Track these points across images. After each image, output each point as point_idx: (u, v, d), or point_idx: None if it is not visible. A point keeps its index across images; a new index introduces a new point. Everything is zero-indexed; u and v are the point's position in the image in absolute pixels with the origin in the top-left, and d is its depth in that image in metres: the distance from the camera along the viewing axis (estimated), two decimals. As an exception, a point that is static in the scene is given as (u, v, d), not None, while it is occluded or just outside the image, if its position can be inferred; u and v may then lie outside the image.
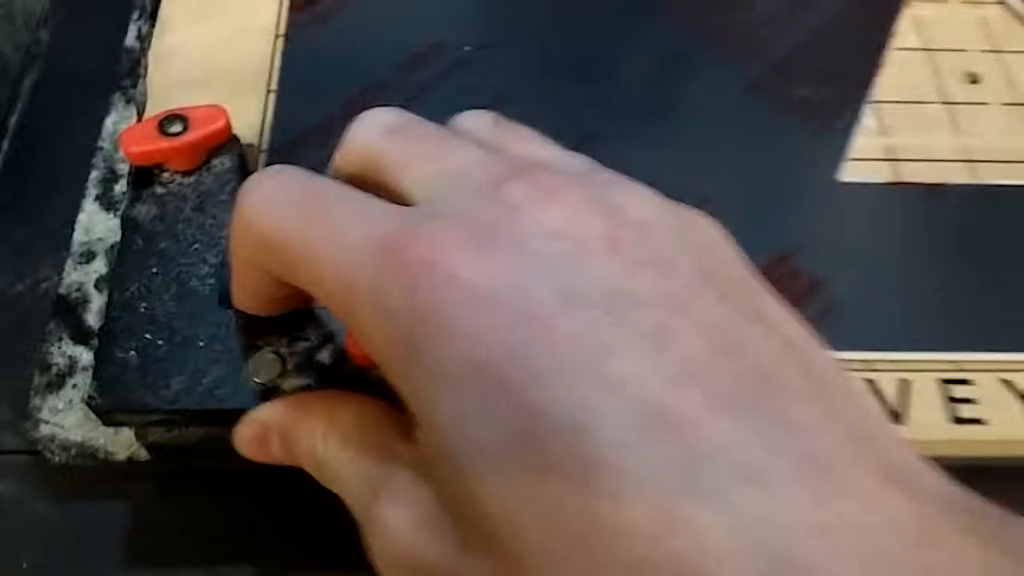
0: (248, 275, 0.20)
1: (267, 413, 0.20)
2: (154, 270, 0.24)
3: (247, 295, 0.21)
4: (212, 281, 0.24)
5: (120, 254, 0.24)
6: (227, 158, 0.26)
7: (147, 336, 0.22)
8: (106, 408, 0.22)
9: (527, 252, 0.15)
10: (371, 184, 0.19)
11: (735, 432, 0.13)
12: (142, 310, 0.23)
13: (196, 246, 0.24)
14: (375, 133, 0.19)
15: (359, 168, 0.19)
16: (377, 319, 0.15)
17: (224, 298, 0.23)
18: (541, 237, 0.15)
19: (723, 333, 0.15)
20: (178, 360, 0.22)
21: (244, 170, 0.27)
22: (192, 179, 0.26)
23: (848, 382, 0.15)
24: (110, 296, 0.24)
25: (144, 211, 0.25)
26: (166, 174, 0.26)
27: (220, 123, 0.25)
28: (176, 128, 0.25)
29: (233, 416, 0.21)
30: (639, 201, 0.16)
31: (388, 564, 0.16)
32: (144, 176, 0.25)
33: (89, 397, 0.22)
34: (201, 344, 0.22)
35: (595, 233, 0.15)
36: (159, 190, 0.25)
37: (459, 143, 0.18)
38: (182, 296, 0.23)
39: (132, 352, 0.22)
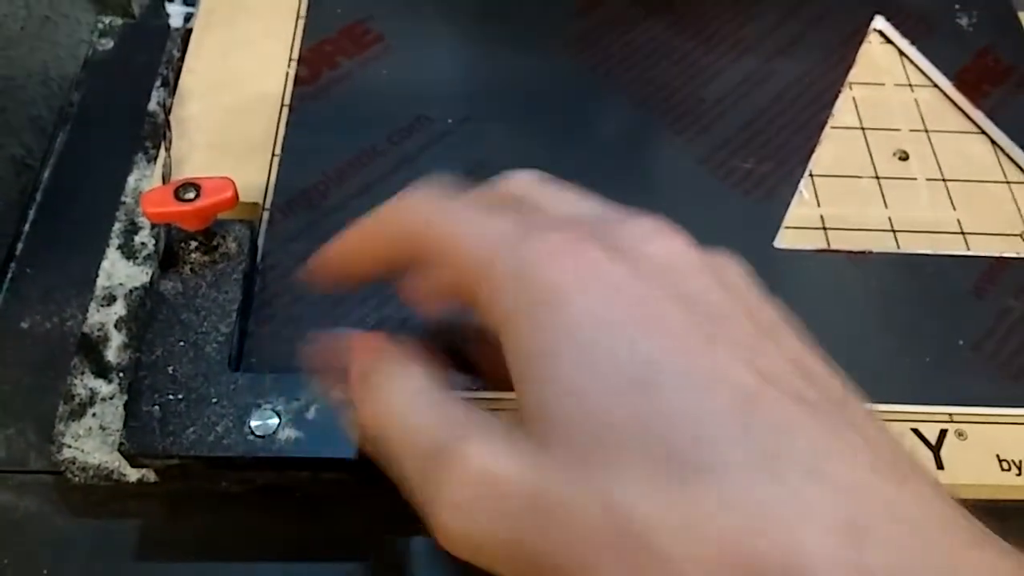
0: (367, 247, 0.23)
1: (356, 345, 0.22)
2: (176, 338, 0.28)
3: (346, 260, 0.24)
4: (223, 347, 0.28)
5: (147, 323, 0.29)
6: (239, 243, 0.30)
7: (168, 394, 0.27)
8: (133, 453, 0.26)
9: (631, 262, 0.18)
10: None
11: (812, 429, 0.16)
12: (165, 372, 0.27)
13: (211, 317, 0.29)
14: (529, 179, 0.23)
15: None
16: (508, 285, 0.18)
17: (233, 361, 0.28)
18: (641, 255, 0.19)
19: (802, 360, 0.18)
20: (192, 414, 0.26)
21: (253, 254, 0.31)
22: (209, 259, 0.30)
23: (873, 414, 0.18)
24: (138, 359, 0.28)
25: (169, 287, 0.29)
26: (192, 254, 0.30)
27: (228, 193, 0.29)
28: (190, 195, 0.29)
29: (236, 462, 0.25)
30: (729, 259, 0.20)
31: (468, 498, 0.17)
32: (170, 258, 0.30)
33: (120, 444, 0.26)
34: (212, 401, 0.26)
35: (694, 263, 0.19)
36: (183, 269, 0.30)
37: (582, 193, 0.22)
38: (198, 360, 0.27)
39: (155, 407, 0.26)
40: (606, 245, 0.18)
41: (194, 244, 0.30)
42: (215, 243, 0.30)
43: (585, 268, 0.18)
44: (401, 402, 0.20)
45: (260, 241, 0.33)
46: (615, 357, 0.17)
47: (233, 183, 0.29)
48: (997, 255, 0.35)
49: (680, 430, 0.16)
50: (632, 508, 0.15)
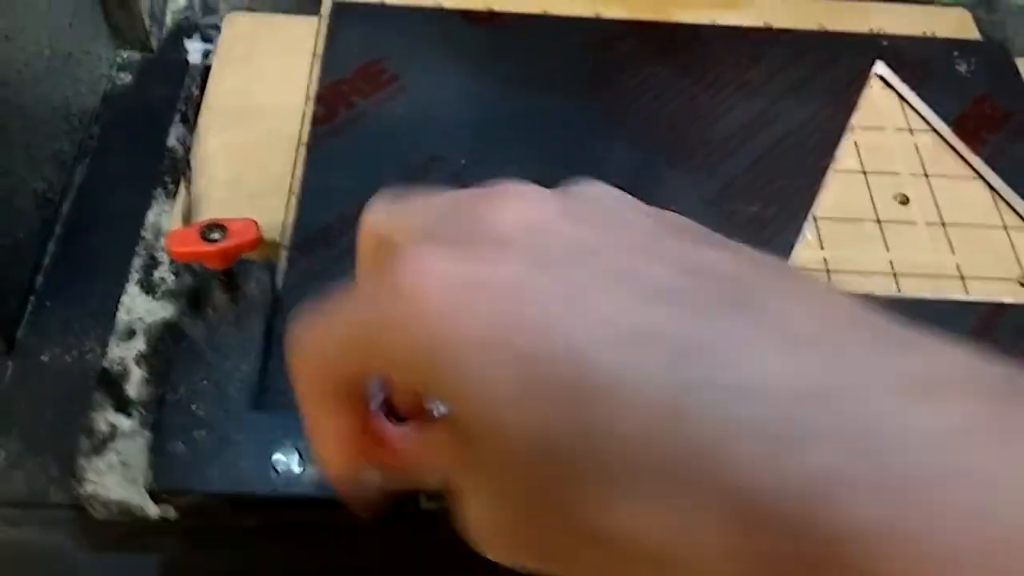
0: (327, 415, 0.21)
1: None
2: (200, 377, 0.29)
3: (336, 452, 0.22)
4: (246, 386, 0.29)
5: (173, 364, 0.30)
6: (260, 287, 0.32)
7: (193, 432, 0.27)
8: (159, 491, 0.27)
9: (480, 253, 0.17)
10: None
11: (713, 332, 0.15)
12: (189, 411, 0.28)
13: (234, 357, 0.29)
14: (379, 213, 0.21)
15: (375, 253, 0.21)
16: (392, 358, 0.17)
17: (256, 401, 0.28)
18: (507, 225, 0.17)
19: (687, 259, 0.17)
20: (216, 453, 0.27)
21: (274, 295, 0.32)
22: (232, 303, 0.31)
23: (813, 278, 0.17)
24: (163, 398, 0.29)
25: (195, 328, 0.30)
26: (216, 298, 0.31)
27: (252, 235, 0.29)
28: (215, 236, 0.30)
29: (260, 500, 0.25)
30: (593, 186, 0.20)
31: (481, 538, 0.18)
32: (195, 300, 0.31)
33: (146, 481, 0.27)
34: (235, 439, 0.27)
35: (556, 210, 0.18)
36: (207, 311, 0.31)
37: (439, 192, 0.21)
38: (221, 399, 0.28)
39: (181, 445, 0.27)
40: (453, 245, 0.17)
41: (218, 288, 0.31)
42: (237, 286, 0.31)
43: (439, 289, 0.17)
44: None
45: (279, 279, 0.34)
46: (507, 369, 0.16)
47: (257, 225, 0.30)
48: (995, 300, 0.36)
49: (581, 404, 0.15)
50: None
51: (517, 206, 0.18)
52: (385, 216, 0.20)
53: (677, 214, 0.19)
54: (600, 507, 0.15)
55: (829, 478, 0.14)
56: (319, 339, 0.19)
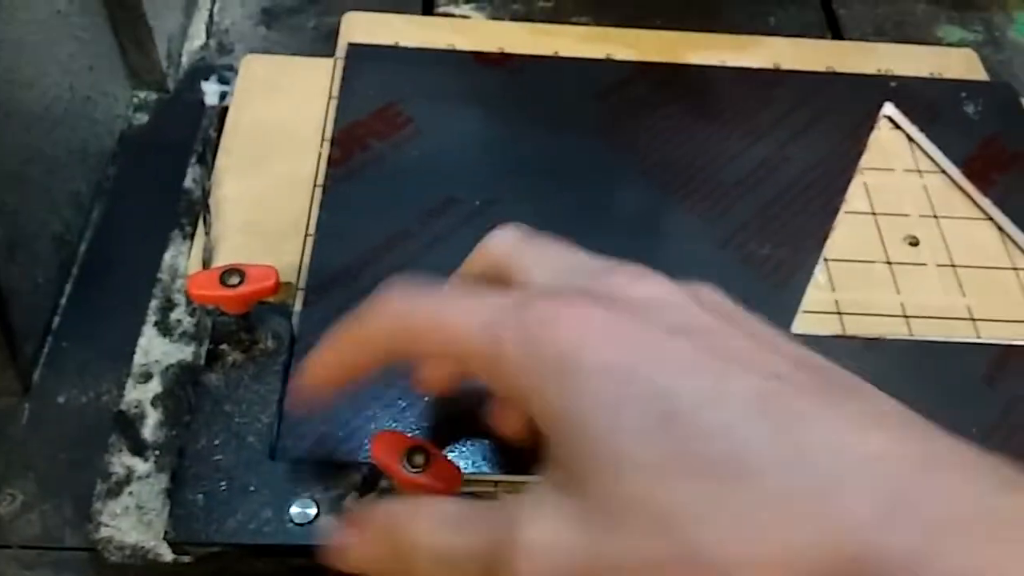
0: (354, 352, 0.24)
1: (370, 516, 0.22)
2: (219, 428, 0.29)
3: (336, 367, 0.25)
4: (264, 437, 0.29)
5: (193, 414, 0.30)
6: (278, 339, 0.32)
7: (211, 483, 0.28)
8: (178, 542, 0.27)
9: (627, 309, 0.20)
10: (492, 282, 0.24)
11: (835, 410, 0.18)
12: (209, 461, 0.28)
13: (253, 408, 0.30)
14: (511, 239, 0.25)
15: (484, 269, 0.25)
16: (522, 360, 0.19)
17: (274, 452, 0.29)
18: (645, 295, 0.21)
19: (804, 360, 0.20)
20: (235, 503, 0.27)
21: (292, 345, 0.32)
22: (251, 354, 0.31)
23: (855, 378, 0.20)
24: (183, 448, 0.29)
25: (214, 380, 0.30)
26: (235, 350, 0.31)
27: (271, 281, 0.30)
28: (234, 280, 0.30)
29: (277, 550, 0.25)
30: (710, 288, 0.22)
31: (538, 566, 0.18)
32: (214, 355, 0.31)
33: (165, 532, 0.27)
34: (252, 489, 0.27)
35: (687, 295, 0.21)
36: (228, 360, 0.31)
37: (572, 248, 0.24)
38: (240, 449, 0.28)
39: (200, 495, 0.27)
40: (598, 298, 0.20)
41: (237, 340, 0.31)
42: (256, 338, 0.31)
43: (586, 326, 0.19)
44: (436, 538, 0.20)
45: (294, 321, 0.34)
46: (637, 400, 0.18)
47: (276, 272, 0.30)
48: (1007, 342, 0.36)
49: (712, 446, 0.17)
50: (691, 532, 0.17)
51: (649, 284, 0.21)
52: (525, 252, 0.24)
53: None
54: (715, 536, 0.17)
55: (937, 527, 0.16)
56: (438, 314, 0.21)
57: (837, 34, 0.51)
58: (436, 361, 0.23)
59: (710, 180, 0.40)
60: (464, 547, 0.20)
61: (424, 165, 0.39)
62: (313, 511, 0.27)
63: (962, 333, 0.36)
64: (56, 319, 0.36)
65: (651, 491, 0.17)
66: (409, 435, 0.28)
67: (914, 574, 0.15)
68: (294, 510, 0.27)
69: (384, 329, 0.23)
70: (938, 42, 0.50)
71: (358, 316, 0.24)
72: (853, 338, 0.36)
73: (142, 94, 0.44)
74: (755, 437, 0.17)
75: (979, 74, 0.46)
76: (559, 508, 0.19)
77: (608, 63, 0.44)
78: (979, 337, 0.36)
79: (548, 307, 0.20)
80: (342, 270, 0.35)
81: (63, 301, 0.37)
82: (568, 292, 0.20)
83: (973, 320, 0.37)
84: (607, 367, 0.18)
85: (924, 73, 0.46)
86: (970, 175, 0.41)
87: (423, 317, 0.22)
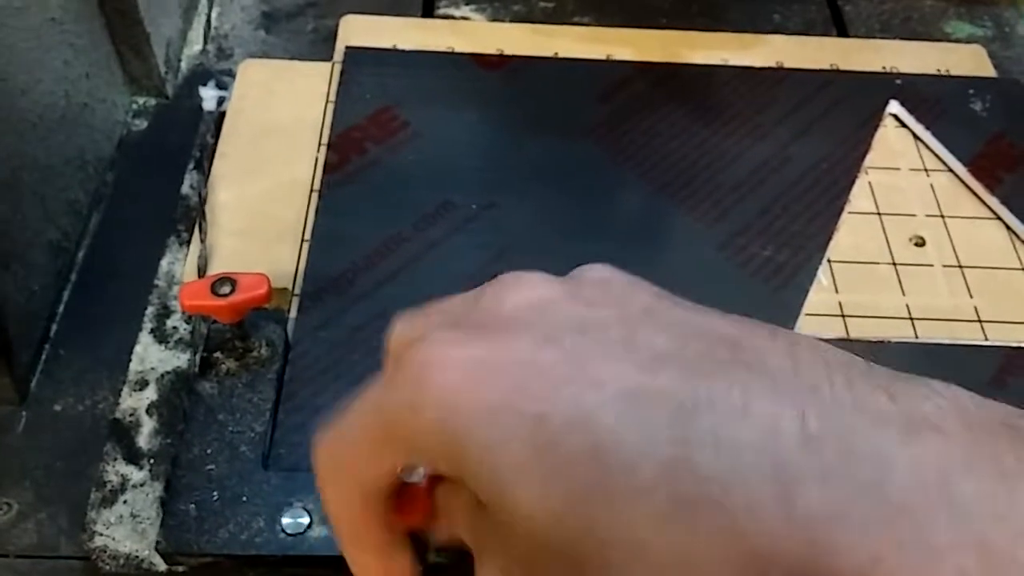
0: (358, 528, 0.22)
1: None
2: (212, 437, 0.29)
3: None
4: (257, 446, 0.29)
5: (186, 423, 0.30)
6: (272, 347, 0.32)
7: (204, 493, 0.27)
8: (170, 552, 0.27)
9: (496, 332, 0.18)
10: None
11: (714, 390, 0.16)
12: (201, 471, 0.28)
13: (246, 417, 0.30)
14: (397, 325, 0.22)
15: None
16: (419, 425, 0.18)
17: (266, 461, 0.28)
18: (513, 307, 0.19)
19: (685, 326, 0.18)
20: (227, 513, 0.27)
21: (286, 353, 0.32)
22: (244, 363, 0.31)
23: (809, 340, 0.18)
24: (176, 457, 0.29)
25: (208, 389, 0.30)
26: (228, 358, 0.31)
27: (262, 290, 0.29)
28: (225, 289, 0.30)
29: (269, 560, 0.25)
30: (598, 268, 0.20)
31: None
32: (207, 364, 0.31)
33: (157, 542, 0.27)
34: (245, 499, 0.27)
35: (559, 292, 0.19)
36: (221, 369, 0.31)
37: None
38: (233, 459, 0.28)
39: (192, 505, 0.27)
40: (465, 332, 0.19)
41: (231, 348, 0.31)
42: (250, 346, 0.31)
43: (454, 370, 0.18)
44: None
45: (289, 328, 0.34)
46: (515, 439, 0.17)
47: (268, 280, 0.30)
48: (1015, 344, 0.35)
49: (588, 470, 0.16)
50: (600, 567, 0.16)
51: (522, 290, 0.19)
52: (408, 323, 0.21)
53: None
54: (613, 562, 0.16)
55: (829, 515, 0.15)
56: (342, 439, 0.20)
57: (842, 31, 0.50)
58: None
59: (711, 181, 0.39)
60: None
61: (421, 169, 0.39)
62: (306, 521, 0.27)
63: (969, 335, 0.36)
64: (53, 327, 0.36)
65: (544, 526, 0.17)
66: None
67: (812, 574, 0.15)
68: (286, 520, 0.27)
69: (334, 479, 0.21)
70: (946, 38, 0.50)
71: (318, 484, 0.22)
72: (857, 341, 0.35)
73: (141, 100, 0.44)
74: (633, 445, 0.16)
75: (987, 70, 0.46)
76: (496, 556, 0.19)
77: (608, 64, 0.44)
78: (986, 339, 0.35)
79: (416, 361, 0.18)
80: (337, 276, 0.35)
81: (60, 309, 0.37)
82: (434, 332, 0.19)
83: (980, 322, 0.36)
84: (483, 410, 0.17)
85: (931, 70, 0.45)
86: (977, 173, 0.40)
87: (338, 444, 0.20)
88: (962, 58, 0.46)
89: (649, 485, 0.16)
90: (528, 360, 0.18)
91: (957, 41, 0.49)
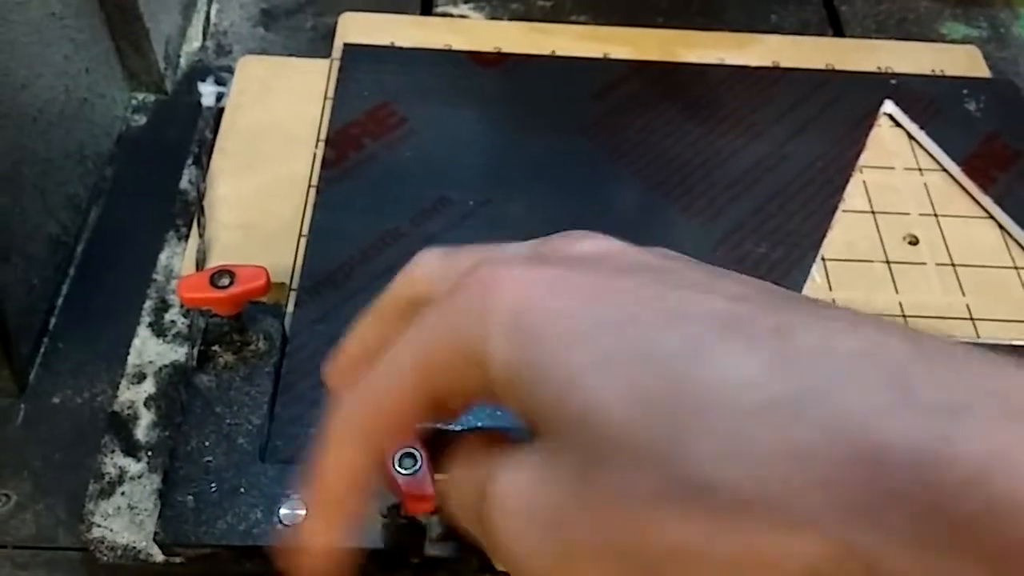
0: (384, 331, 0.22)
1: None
2: (210, 430, 0.29)
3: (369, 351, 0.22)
4: (255, 439, 0.29)
5: (184, 415, 0.30)
6: (270, 341, 0.32)
7: (202, 484, 0.28)
8: (167, 543, 0.27)
9: (571, 263, 0.19)
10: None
11: (812, 317, 0.16)
12: (199, 463, 0.28)
13: (244, 410, 0.30)
14: (434, 259, 0.22)
15: (410, 297, 0.22)
16: (479, 330, 0.18)
17: (264, 453, 0.29)
18: (584, 249, 0.19)
19: (757, 285, 0.18)
20: (225, 505, 0.27)
21: (283, 347, 0.32)
22: (242, 356, 0.31)
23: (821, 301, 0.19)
24: (174, 449, 0.29)
25: (205, 381, 0.30)
26: (226, 351, 0.32)
27: (260, 281, 0.30)
28: (224, 282, 0.30)
29: (266, 552, 0.25)
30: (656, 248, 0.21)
31: (516, 519, 0.18)
32: (205, 357, 0.31)
33: (155, 533, 0.28)
34: (242, 491, 0.27)
35: (625, 245, 0.19)
36: (219, 362, 0.31)
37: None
38: (230, 451, 0.28)
39: (190, 497, 0.27)
40: (541, 258, 0.19)
41: (228, 342, 0.31)
42: (248, 339, 0.31)
43: (531, 281, 0.18)
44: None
45: (286, 322, 0.34)
46: (590, 337, 0.17)
47: (266, 272, 0.30)
48: (1007, 343, 0.35)
49: (681, 369, 0.16)
50: (676, 460, 0.16)
51: (590, 239, 0.20)
52: (452, 256, 0.21)
53: None
54: (706, 453, 0.15)
55: (949, 408, 0.14)
56: (384, 391, 0.20)
57: (839, 31, 0.50)
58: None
59: (706, 179, 0.40)
60: (457, 501, 0.20)
61: (418, 165, 0.39)
62: (303, 513, 0.27)
63: (961, 333, 0.36)
64: (52, 319, 0.36)
65: (623, 426, 0.16)
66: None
67: (931, 464, 0.14)
68: (283, 512, 0.27)
69: (361, 436, 0.20)
70: (941, 39, 0.50)
71: (386, 293, 0.22)
72: (849, 338, 0.35)
73: (140, 96, 0.44)
74: (727, 352, 0.16)
75: (981, 71, 0.46)
76: (530, 457, 0.18)
77: (604, 62, 0.44)
78: (978, 337, 0.36)
79: (482, 276, 0.18)
80: (334, 270, 0.35)
81: (59, 302, 0.37)
82: (507, 259, 0.19)
83: (973, 320, 0.36)
84: (560, 313, 0.17)
85: (925, 70, 0.45)
86: (971, 173, 0.41)
87: (372, 407, 0.20)
88: (957, 59, 0.47)
89: (750, 380, 0.15)
90: (605, 283, 0.18)
91: (952, 42, 0.49)
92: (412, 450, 0.26)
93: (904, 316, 0.36)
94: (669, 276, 0.18)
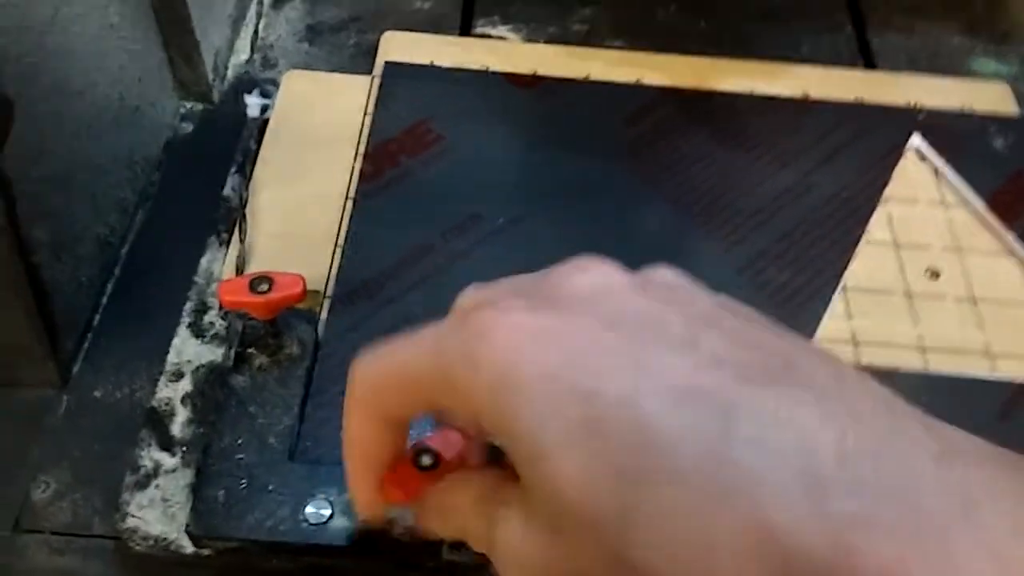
0: (362, 436, 0.24)
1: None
2: (243, 428, 0.31)
3: (362, 466, 0.24)
4: (285, 438, 0.31)
5: (218, 414, 0.31)
6: (303, 345, 0.33)
7: (232, 480, 0.29)
8: (197, 535, 0.29)
9: (563, 307, 0.19)
10: None
11: (763, 397, 0.17)
12: (232, 459, 0.29)
13: (276, 410, 0.31)
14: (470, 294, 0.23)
15: None
16: (469, 378, 0.19)
17: (293, 453, 0.30)
18: (580, 288, 0.20)
19: (743, 336, 0.19)
20: (253, 501, 0.29)
21: (316, 352, 0.34)
22: (276, 359, 0.33)
23: (857, 371, 0.19)
24: (208, 446, 0.30)
25: (240, 382, 0.32)
26: (261, 353, 0.33)
27: (297, 289, 0.31)
28: (263, 287, 0.31)
29: (291, 547, 0.27)
30: (664, 270, 0.22)
31: (510, 563, 0.20)
32: (241, 358, 0.33)
33: (186, 525, 0.29)
34: (271, 488, 0.29)
35: (627, 283, 0.20)
36: (254, 363, 0.33)
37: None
38: (262, 449, 0.30)
39: (221, 491, 0.29)
40: (534, 301, 0.20)
41: (264, 345, 0.32)
42: (283, 343, 0.32)
43: (519, 334, 0.19)
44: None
45: (319, 328, 0.35)
46: (564, 408, 0.18)
47: (303, 280, 0.31)
48: (1022, 380, 0.36)
49: (633, 448, 0.17)
50: (615, 538, 0.17)
51: (591, 274, 0.21)
52: (480, 290, 0.22)
53: (735, 300, 0.21)
54: (638, 540, 0.17)
55: (857, 518, 0.16)
56: (394, 363, 0.22)
57: (870, 63, 0.51)
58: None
59: (733, 206, 0.41)
60: (471, 531, 0.22)
61: (452, 182, 0.40)
62: (328, 512, 0.28)
63: (978, 368, 0.36)
64: (97, 317, 0.38)
65: (579, 500, 0.18)
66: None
67: (835, 573, 0.15)
68: (309, 510, 0.29)
69: (365, 399, 0.23)
70: (972, 74, 0.50)
71: (346, 399, 0.24)
72: (867, 369, 0.36)
73: (188, 105, 0.46)
74: (677, 433, 0.17)
75: (1010, 108, 0.46)
76: (517, 512, 0.20)
77: (638, 88, 0.45)
78: (995, 373, 0.36)
79: (483, 318, 0.20)
80: (368, 280, 0.37)
81: (104, 300, 0.38)
82: (503, 300, 0.20)
83: (990, 355, 0.37)
84: (539, 376, 0.18)
85: (954, 106, 0.46)
86: (996, 210, 0.41)
87: (384, 367, 0.22)
88: (986, 95, 0.47)
89: (686, 469, 0.17)
90: (589, 338, 0.19)
91: (983, 77, 0.50)
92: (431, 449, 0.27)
93: (922, 348, 0.37)
94: (653, 330, 0.19)
